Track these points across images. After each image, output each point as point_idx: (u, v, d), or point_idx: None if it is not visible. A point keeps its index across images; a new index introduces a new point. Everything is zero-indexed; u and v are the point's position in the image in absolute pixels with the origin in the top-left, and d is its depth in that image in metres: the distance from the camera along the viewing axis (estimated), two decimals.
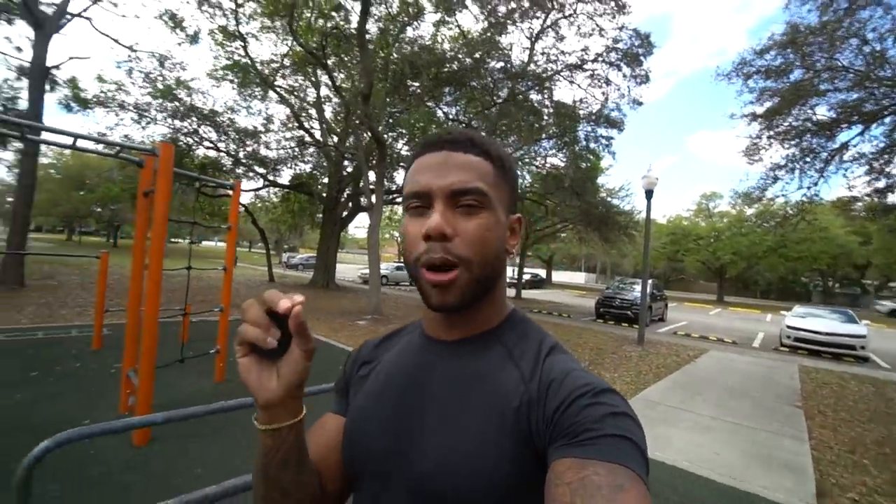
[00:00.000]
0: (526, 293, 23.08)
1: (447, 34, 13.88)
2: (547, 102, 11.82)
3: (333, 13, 11.88)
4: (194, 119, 14.14)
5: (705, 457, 3.71)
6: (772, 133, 10.54)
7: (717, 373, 7.21)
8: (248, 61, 13.70)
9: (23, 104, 12.96)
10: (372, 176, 12.42)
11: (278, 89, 15.57)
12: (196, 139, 14.56)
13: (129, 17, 35.38)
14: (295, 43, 13.81)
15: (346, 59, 12.95)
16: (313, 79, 16.08)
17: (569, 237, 23.95)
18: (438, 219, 0.51)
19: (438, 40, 13.49)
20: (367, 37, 9.44)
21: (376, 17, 11.58)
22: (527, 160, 16.59)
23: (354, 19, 12.26)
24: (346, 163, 17.08)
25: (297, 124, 16.34)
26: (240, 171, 15.78)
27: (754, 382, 6.68)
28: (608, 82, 12.69)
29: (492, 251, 0.54)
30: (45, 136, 3.34)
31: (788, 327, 10.51)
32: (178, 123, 14.10)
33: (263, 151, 15.87)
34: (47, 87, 11.86)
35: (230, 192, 5.31)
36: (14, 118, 3.13)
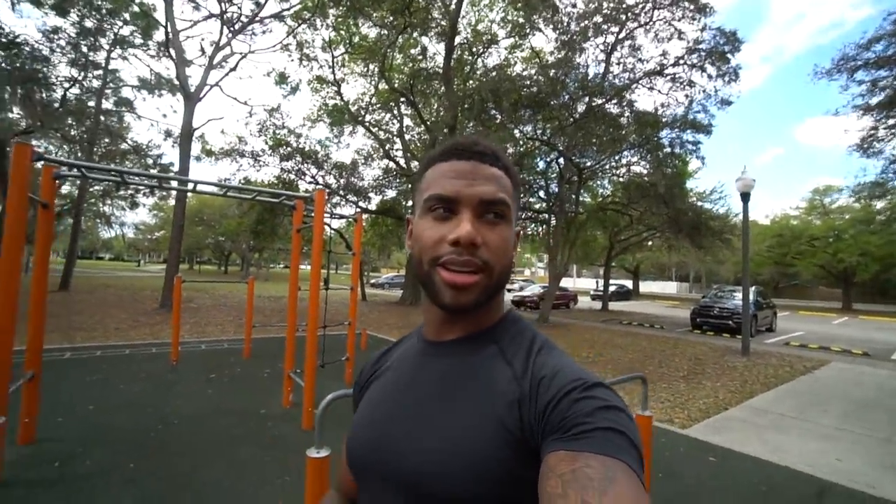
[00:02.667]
0: (613, 305, 22.26)
1: (520, 56, 14.46)
2: (627, 112, 11.77)
3: (416, 54, 13.06)
4: (298, 158, 16.17)
5: (830, 463, 3.63)
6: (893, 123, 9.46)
7: (841, 384, 6.62)
8: (342, 102, 15.40)
9: (166, 160, 15.89)
10: None
11: (366, 125, 17.20)
12: (300, 175, 16.59)
13: (244, 79, 41.02)
14: (380, 82, 15.33)
15: (429, 93, 14.04)
16: (396, 112, 17.52)
17: (657, 246, 22.77)
18: (470, 227, 0.52)
19: (511, 62, 14.09)
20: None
21: (456, 48, 12.46)
22: (607, 170, 16.38)
23: (432, 52, 13.43)
24: None
25: (383, 154, 17.84)
26: (336, 200, 17.57)
27: (893, 397, 6.06)
28: (691, 84, 12.31)
29: (509, 260, 0.56)
30: (235, 192, 4.41)
31: None
32: (284, 164, 16.23)
33: (357, 182, 17.52)
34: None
35: (328, 223, 6.21)
36: (201, 179, 4.20)
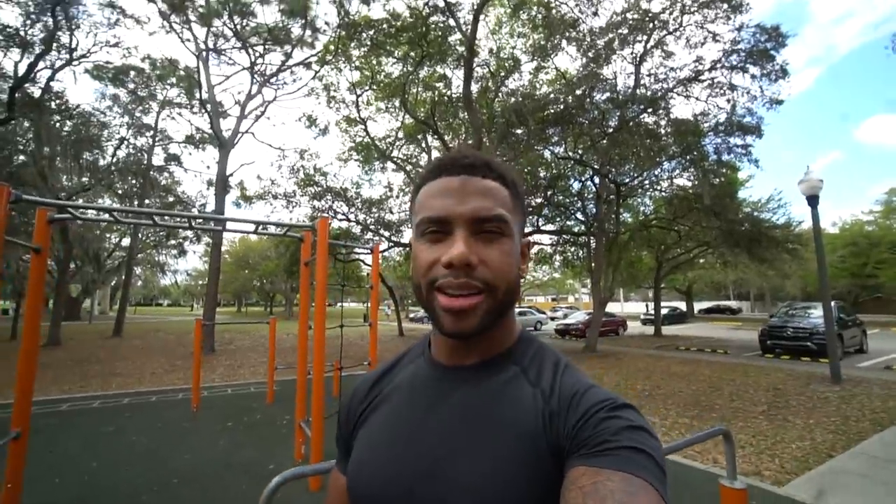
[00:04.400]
0: (666, 329, 20.56)
1: (544, 78, 14.18)
2: (663, 122, 11.04)
3: (437, 84, 13.09)
4: (329, 197, 16.42)
5: None
6: None
7: None
8: (369, 139, 15.63)
9: (209, 206, 16.62)
10: None
11: (395, 159, 17.33)
12: (331, 213, 16.80)
13: (277, 126, 43.80)
14: (405, 117, 15.49)
15: (452, 122, 13.97)
16: (424, 145, 17.60)
17: (709, 263, 21.06)
18: (463, 247, 0.49)
19: (536, 86, 13.82)
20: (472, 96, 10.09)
21: (477, 78, 12.38)
22: (647, 186, 15.45)
23: (455, 83, 13.39)
24: None
25: (412, 187, 17.82)
26: (367, 235, 17.60)
27: None
28: (732, 88, 11.43)
29: (513, 277, 0.53)
30: (233, 225, 4.19)
31: None
32: (316, 203, 16.53)
33: (387, 216, 17.53)
34: (226, 191, 15.08)
35: (362, 258, 5.88)
36: (216, 215, 3.98)
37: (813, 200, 8.00)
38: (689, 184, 13.90)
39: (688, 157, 11.68)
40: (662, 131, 11.20)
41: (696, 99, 12.06)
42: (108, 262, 24.83)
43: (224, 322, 10.31)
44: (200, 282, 51.67)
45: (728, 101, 11.63)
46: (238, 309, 58.06)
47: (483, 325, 0.52)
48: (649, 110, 10.89)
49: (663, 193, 15.58)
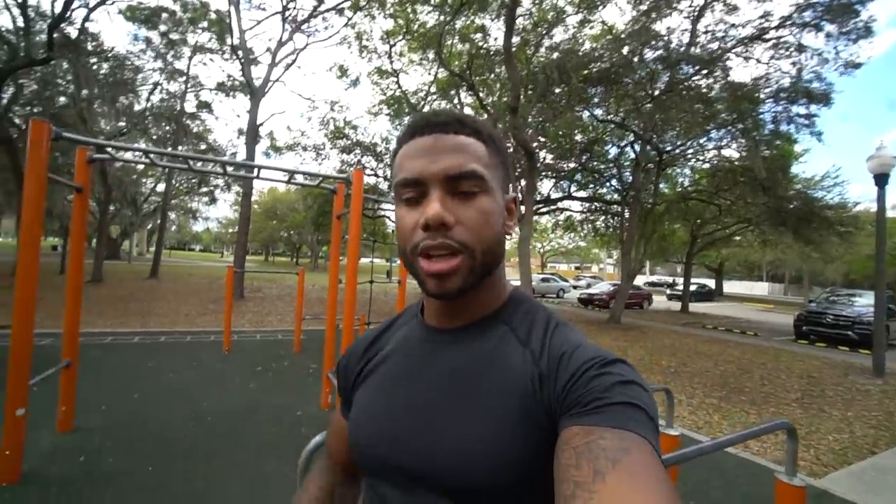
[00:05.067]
0: (693, 306, 20.10)
1: (589, 33, 13.18)
2: (717, 86, 10.14)
3: (474, 35, 12.35)
4: (358, 151, 16.21)
5: None
6: None
7: None
8: (402, 93, 15.14)
9: (239, 156, 16.72)
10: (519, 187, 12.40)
11: None
12: (360, 168, 16.67)
13: (308, 75, 43.03)
14: (438, 70, 14.83)
15: (488, 77, 13.30)
16: (456, 101, 16.97)
17: (747, 241, 20.10)
18: (437, 207, 0.49)
19: (579, 41, 12.89)
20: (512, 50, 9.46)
21: (517, 30, 11.61)
22: (689, 155, 14.56)
23: (494, 35, 12.62)
24: None
25: None
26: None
27: None
28: (801, 49, 10.30)
29: (494, 236, 0.52)
30: (266, 173, 4.11)
31: None
32: (345, 157, 16.37)
33: None
34: (256, 140, 15.06)
35: (388, 215, 5.78)
36: (250, 163, 3.90)
37: (882, 179, 7.33)
38: (738, 155, 12.99)
39: (740, 126, 10.80)
40: (715, 95, 10.31)
41: (757, 61, 10.98)
42: (144, 205, 25.72)
43: (253, 270, 10.52)
44: (230, 230, 53.15)
45: (794, 63, 10.55)
46: (265, 258, 59.92)
47: (465, 285, 0.51)
48: (704, 72, 9.98)
49: (707, 164, 14.68)
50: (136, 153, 4.20)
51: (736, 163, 12.97)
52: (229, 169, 4.06)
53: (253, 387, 4.74)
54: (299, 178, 4.06)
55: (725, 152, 13.37)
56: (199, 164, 4.95)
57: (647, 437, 0.40)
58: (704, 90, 10.30)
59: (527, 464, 0.46)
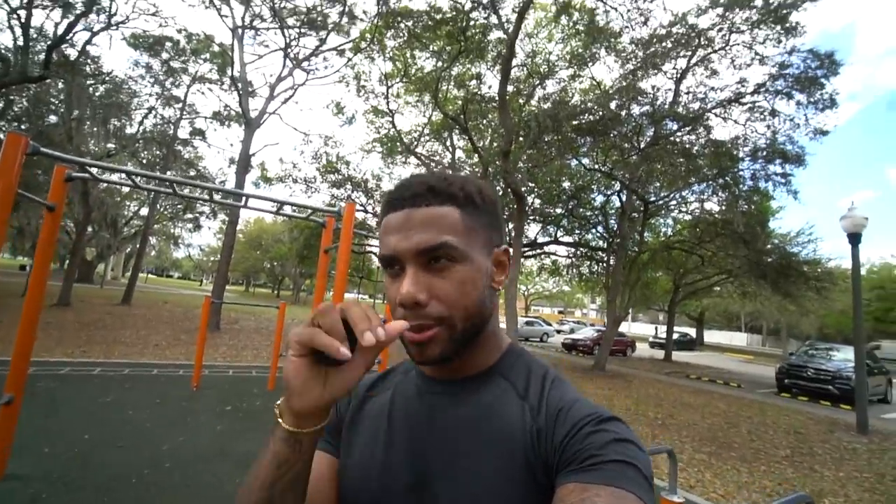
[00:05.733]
0: (676, 355, 20.07)
1: (578, 87, 13.85)
2: (700, 142, 10.63)
3: (469, 82, 12.84)
4: (349, 186, 16.28)
5: None
6: None
7: None
8: (396, 132, 15.46)
9: (229, 184, 16.62)
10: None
11: (419, 155, 17.14)
12: (351, 202, 16.67)
13: (304, 110, 43.92)
14: (433, 113, 15.27)
15: (480, 122, 13.72)
16: (448, 143, 17.39)
17: (727, 291, 20.48)
18: (408, 287, 0.50)
19: (569, 93, 13.50)
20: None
21: (511, 79, 12.14)
22: (672, 206, 15.01)
23: (488, 82, 13.13)
24: None
25: None
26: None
27: None
28: (774, 114, 10.99)
29: (472, 303, 0.52)
30: (255, 203, 4.00)
31: None
32: (335, 191, 16.40)
33: None
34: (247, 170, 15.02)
35: (374, 251, 5.69)
36: (238, 191, 3.80)
37: (855, 238, 7.58)
38: (718, 208, 13.44)
39: (720, 181, 11.25)
40: (697, 151, 10.78)
41: (735, 122, 11.64)
42: (124, 229, 25.09)
43: (232, 302, 10.19)
44: (212, 258, 52.07)
45: (768, 126, 11.20)
46: (246, 288, 58.48)
47: (446, 353, 0.52)
48: (687, 128, 10.48)
49: (689, 215, 15.13)
50: (121, 175, 4.05)
51: (717, 215, 13.39)
52: (217, 196, 3.94)
53: (220, 429, 4.38)
54: (288, 210, 3.95)
55: (707, 205, 13.84)
56: (187, 189, 4.81)
57: (641, 496, 0.40)
58: (688, 146, 10.77)
59: None
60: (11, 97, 13.77)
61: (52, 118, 14.63)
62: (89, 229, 19.02)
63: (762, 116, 11.16)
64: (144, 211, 22.09)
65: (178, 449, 3.72)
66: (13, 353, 3.13)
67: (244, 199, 3.89)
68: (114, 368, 6.56)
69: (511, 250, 0.59)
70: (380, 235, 0.55)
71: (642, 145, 10.70)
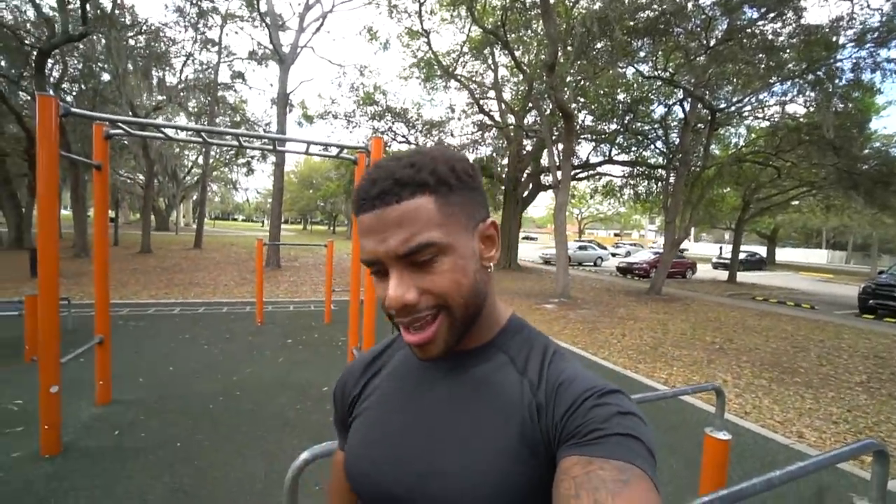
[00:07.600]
0: (741, 276, 18.94)
1: None
2: (786, 30, 8.93)
3: None
4: (389, 117, 15.87)
5: None
6: None
7: None
8: (432, 54, 14.50)
9: (272, 126, 16.80)
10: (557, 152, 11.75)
11: (459, 77, 16.11)
12: (391, 135, 16.35)
13: (336, 40, 42.24)
14: (472, 30, 14.01)
15: (523, 34, 12.43)
16: (490, 61, 16.11)
17: (808, 206, 18.46)
18: (394, 292, 0.48)
19: None
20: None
21: None
22: (746, 112, 13.22)
23: None
24: (525, 142, 16.74)
25: (477, 109, 16.72)
26: None
27: None
28: None
29: (466, 289, 0.50)
30: (288, 146, 3.95)
31: None
32: (375, 124, 16.09)
33: (448, 140, 16.78)
34: (288, 109, 14.98)
35: None
36: (264, 134, 3.74)
37: None
38: (804, 111, 11.65)
39: (810, 77, 9.57)
40: (783, 43, 9.11)
41: None
42: (186, 178, 26.66)
43: (283, 243, 10.85)
44: (269, 199, 54.87)
45: None
46: (304, 227, 61.60)
47: (449, 344, 0.51)
48: (771, 15, 8.78)
49: (766, 122, 13.30)
50: (151, 129, 4.12)
51: (802, 119, 11.64)
52: (247, 141, 3.94)
53: (282, 360, 4.80)
54: (316, 149, 3.87)
55: (789, 108, 12.03)
56: (216, 137, 4.85)
57: (646, 470, 0.40)
58: (770, 37, 9.11)
59: (523, 493, 0.46)
60: (66, 59, 14.34)
61: (105, 77, 15.18)
62: (156, 181, 20.40)
63: None
64: (202, 160, 23.19)
65: (246, 380, 4.14)
66: (96, 300, 3.50)
67: (273, 143, 3.84)
68: (191, 307, 7.29)
69: (497, 222, 0.55)
70: (358, 236, 0.53)
71: (712, 43, 9.21)
